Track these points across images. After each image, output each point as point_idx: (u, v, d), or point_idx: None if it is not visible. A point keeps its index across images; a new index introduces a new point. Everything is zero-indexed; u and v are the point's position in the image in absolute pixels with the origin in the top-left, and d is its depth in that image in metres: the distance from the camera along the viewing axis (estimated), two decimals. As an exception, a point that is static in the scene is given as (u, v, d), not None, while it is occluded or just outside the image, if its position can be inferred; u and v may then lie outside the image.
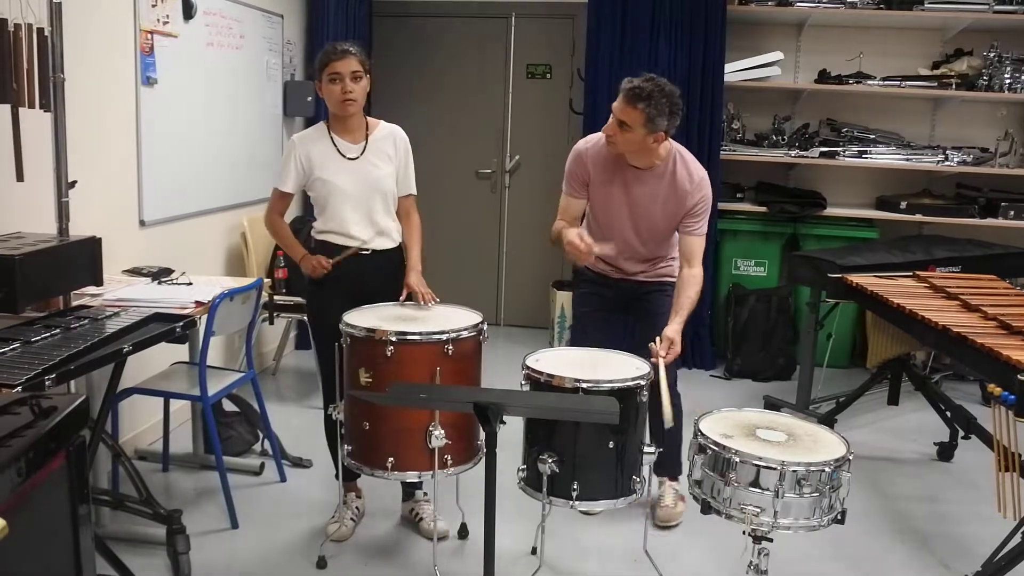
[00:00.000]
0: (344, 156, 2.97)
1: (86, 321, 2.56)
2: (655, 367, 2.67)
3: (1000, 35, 5.12)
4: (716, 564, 3.01)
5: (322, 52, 2.93)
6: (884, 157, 5.24)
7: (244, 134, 4.63)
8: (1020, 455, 2.61)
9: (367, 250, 3.01)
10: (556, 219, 3.15)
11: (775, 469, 2.13)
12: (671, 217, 3.03)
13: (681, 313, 2.90)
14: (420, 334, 2.66)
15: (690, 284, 2.96)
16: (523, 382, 2.62)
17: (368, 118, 3.05)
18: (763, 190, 5.36)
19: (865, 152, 5.23)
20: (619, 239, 3.12)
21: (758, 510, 2.16)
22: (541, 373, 2.55)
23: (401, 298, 2.97)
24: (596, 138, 3.09)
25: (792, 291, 5.25)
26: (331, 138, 2.98)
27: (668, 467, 3.26)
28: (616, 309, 3.30)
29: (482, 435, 2.37)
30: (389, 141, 3.04)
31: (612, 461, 2.55)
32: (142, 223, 3.76)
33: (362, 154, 2.98)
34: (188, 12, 3.97)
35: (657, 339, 2.78)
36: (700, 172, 3.02)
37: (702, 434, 2.29)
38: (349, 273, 2.99)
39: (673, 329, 2.84)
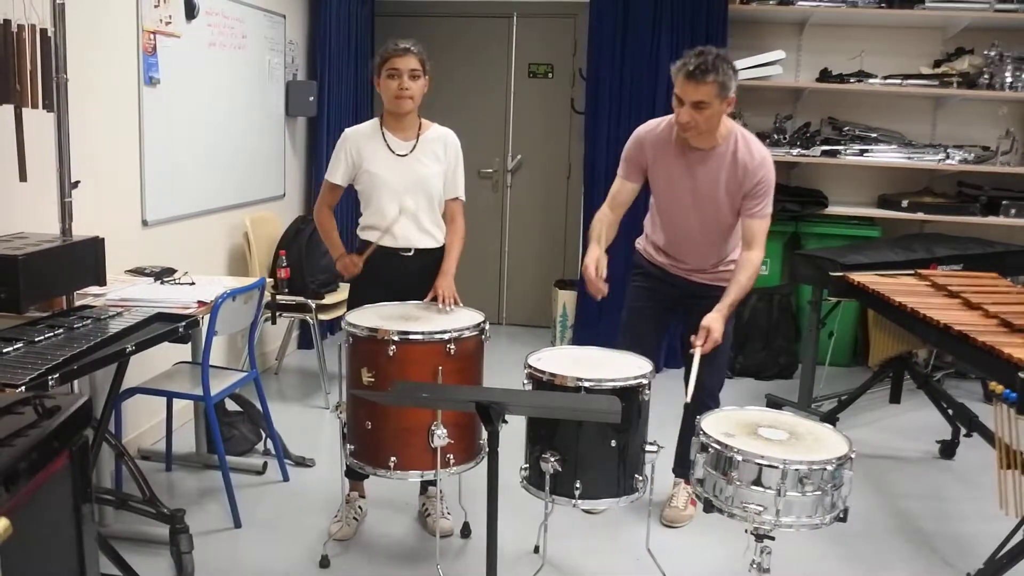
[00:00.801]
0: (393, 152, 2.99)
1: (89, 321, 2.57)
2: (691, 358, 2.71)
3: (1001, 34, 5.12)
4: (719, 563, 3.01)
5: (383, 47, 2.96)
6: (885, 156, 5.24)
7: (246, 134, 4.63)
8: (1022, 453, 2.61)
9: (410, 250, 3.02)
10: (604, 204, 3.11)
11: (777, 468, 2.14)
12: (733, 198, 2.95)
13: (726, 300, 2.83)
14: (422, 333, 2.67)
15: (743, 268, 2.88)
16: (525, 381, 2.63)
17: (422, 119, 3.07)
18: (765, 189, 5.36)
19: (866, 151, 5.23)
20: (681, 227, 3.07)
21: (760, 508, 2.16)
22: (543, 372, 2.55)
23: (427, 298, 2.98)
24: (655, 123, 3.05)
25: (794, 290, 5.25)
26: (383, 134, 3.01)
27: (685, 468, 3.25)
28: (670, 307, 3.23)
29: (484, 434, 2.38)
30: (440, 143, 3.06)
31: (614, 460, 2.56)
32: (145, 223, 3.77)
33: (411, 152, 3.00)
34: (190, 12, 3.98)
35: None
36: (762, 151, 2.94)
37: (704, 433, 2.29)
38: (390, 271, 3.01)
39: (712, 317, 2.78)
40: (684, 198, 3.03)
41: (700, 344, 2.73)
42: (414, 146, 3.01)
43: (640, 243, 3.31)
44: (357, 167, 3.01)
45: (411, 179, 2.98)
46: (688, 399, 2.60)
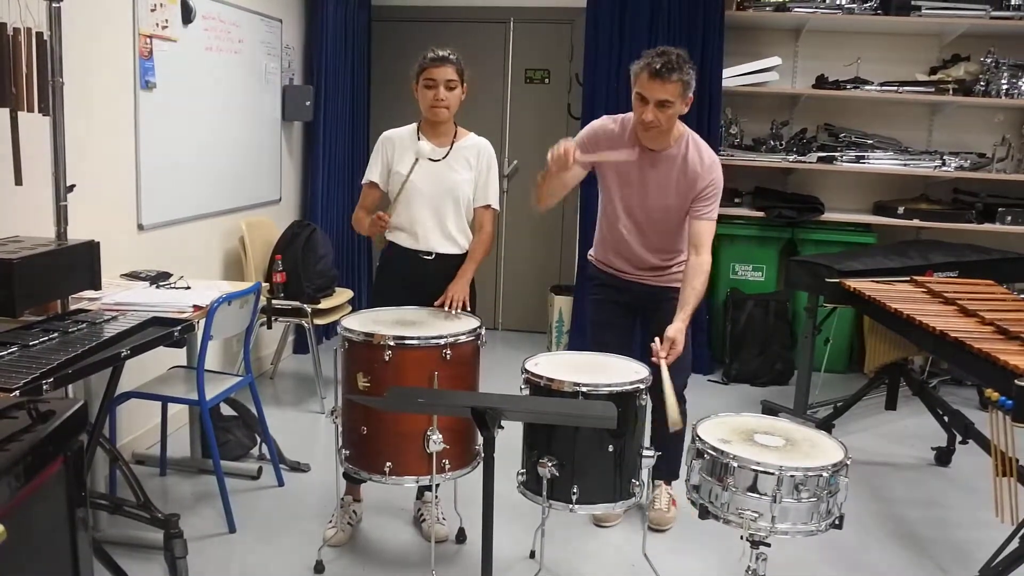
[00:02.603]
0: (426, 157, 3.01)
1: (84, 325, 2.56)
2: (657, 368, 2.66)
3: (997, 41, 5.14)
4: (714, 569, 3.01)
5: (422, 56, 2.98)
6: (881, 162, 5.25)
7: (243, 138, 4.63)
8: (1017, 460, 2.61)
9: (431, 254, 3.05)
10: None
11: (773, 474, 2.14)
12: (683, 200, 2.98)
13: (685, 308, 2.84)
14: (418, 339, 2.66)
15: (696, 274, 2.90)
16: (523, 386, 2.62)
17: (459, 127, 3.11)
18: (761, 195, 5.37)
19: (863, 157, 5.24)
20: (632, 226, 3.09)
21: (756, 515, 2.16)
22: (540, 377, 2.56)
23: (437, 303, 2.99)
24: (609, 120, 3.07)
25: (790, 296, 5.25)
26: (419, 138, 3.04)
27: (665, 470, 3.25)
28: (630, 314, 3.24)
29: (480, 439, 2.37)
30: (473, 151, 3.09)
31: (611, 465, 2.56)
32: (140, 227, 3.76)
33: (444, 158, 3.04)
34: (187, 16, 3.98)
35: (658, 339, 2.75)
36: (711, 155, 2.99)
37: (700, 439, 2.29)
38: (411, 272, 3.05)
39: (675, 327, 2.77)
40: (635, 197, 3.05)
41: (664, 356, 2.70)
42: (447, 153, 3.04)
43: (591, 253, 3.32)
44: (390, 168, 3.06)
45: (440, 184, 3.02)
46: (675, 424, 2.57)
